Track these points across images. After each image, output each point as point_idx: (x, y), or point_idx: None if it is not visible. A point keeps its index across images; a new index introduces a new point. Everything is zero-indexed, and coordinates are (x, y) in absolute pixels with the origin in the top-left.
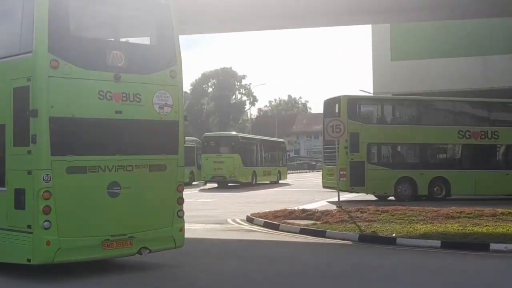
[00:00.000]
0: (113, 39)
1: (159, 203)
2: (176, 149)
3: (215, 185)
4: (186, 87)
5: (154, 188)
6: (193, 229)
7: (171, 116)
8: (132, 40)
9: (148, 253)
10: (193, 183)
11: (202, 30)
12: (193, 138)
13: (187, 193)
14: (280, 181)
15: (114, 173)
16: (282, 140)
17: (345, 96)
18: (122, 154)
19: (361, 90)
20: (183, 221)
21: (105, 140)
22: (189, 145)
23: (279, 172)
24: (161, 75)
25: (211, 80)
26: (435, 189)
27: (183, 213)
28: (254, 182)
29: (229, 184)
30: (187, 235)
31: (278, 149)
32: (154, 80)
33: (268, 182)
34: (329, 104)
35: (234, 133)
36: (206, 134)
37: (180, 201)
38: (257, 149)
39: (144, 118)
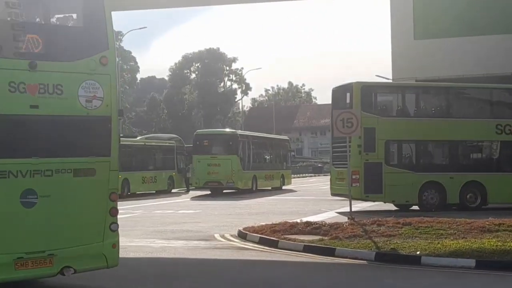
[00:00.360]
0: (27, 20)
1: (87, 215)
2: (108, 150)
3: (205, 192)
4: (164, 73)
5: (80, 196)
6: (171, 247)
7: (101, 111)
8: (52, 21)
9: (73, 273)
10: (173, 190)
11: (154, 3)
12: (172, 135)
13: (166, 202)
14: (283, 187)
15: (29, 179)
16: (286, 137)
17: (358, 83)
18: (40, 157)
19: (377, 76)
20: (117, 236)
21: (18, 140)
22: (166, 144)
23: (282, 176)
24: (88, 62)
25: (194, 64)
26: (468, 196)
27: (117, 226)
28: (254, 188)
29: (224, 191)
30: (164, 254)
31: (281, 149)
32: (80, 68)
33: (270, 188)
34: (339, 92)
35: (231, 130)
36: (199, 131)
37: (114, 211)
38: (258, 149)
39: (67, 114)
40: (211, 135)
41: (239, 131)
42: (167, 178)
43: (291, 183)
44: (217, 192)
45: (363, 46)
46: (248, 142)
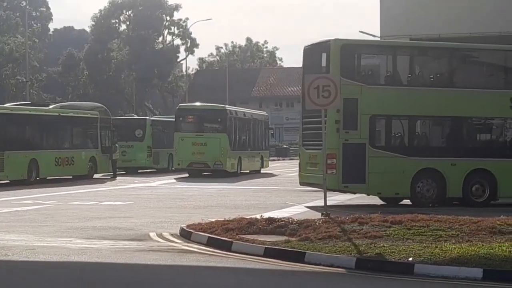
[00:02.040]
0: None
1: None
2: None
3: (122, 174)
4: (85, 23)
5: None
6: (94, 248)
7: None
8: None
9: None
10: (95, 175)
11: None
12: (95, 103)
13: (86, 191)
14: (262, 170)
15: None
16: (264, 113)
17: (337, 40)
18: None
19: (362, 32)
20: None
21: None
22: (87, 116)
23: (261, 158)
24: None
25: (124, 12)
26: (473, 188)
27: None
28: (239, 171)
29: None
30: (84, 257)
31: (261, 126)
32: None
33: (248, 171)
34: (312, 52)
35: (219, 105)
36: (182, 105)
37: None
38: (242, 127)
39: None
40: (197, 110)
41: (227, 106)
42: (87, 159)
43: (268, 166)
44: (197, 174)
45: None
46: (235, 118)
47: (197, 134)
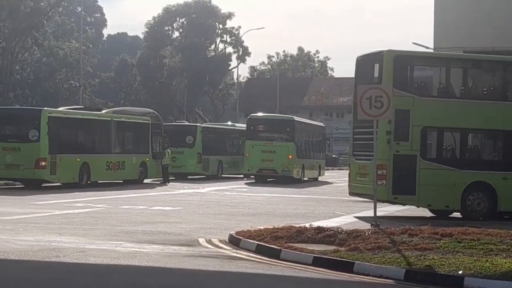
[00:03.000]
0: None
1: None
2: None
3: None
4: (139, 29)
5: None
6: (143, 252)
7: None
8: None
9: None
10: (145, 180)
11: None
12: (147, 109)
13: (136, 195)
14: (319, 178)
15: None
16: (322, 124)
17: (390, 51)
18: None
19: (415, 44)
20: None
21: None
22: (139, 121)
23: (319, 166)
24: None
25: (178, 19)
26: None
27: None
28: (302, 178)
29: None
30: (134, 261)
31: (320, 136)
32: None
33: (306, 178)
34: (365, 63)
35: (287, 115)
36: (253, 115)
37: None
38: (306, 137)
39: None
40: (267, 119)
41: (296, 117)
42: (138, 164)
43: (324, 174)
44: (263, 180)
45: (398, 3)
46: (300, 128)
47: (266, 142)
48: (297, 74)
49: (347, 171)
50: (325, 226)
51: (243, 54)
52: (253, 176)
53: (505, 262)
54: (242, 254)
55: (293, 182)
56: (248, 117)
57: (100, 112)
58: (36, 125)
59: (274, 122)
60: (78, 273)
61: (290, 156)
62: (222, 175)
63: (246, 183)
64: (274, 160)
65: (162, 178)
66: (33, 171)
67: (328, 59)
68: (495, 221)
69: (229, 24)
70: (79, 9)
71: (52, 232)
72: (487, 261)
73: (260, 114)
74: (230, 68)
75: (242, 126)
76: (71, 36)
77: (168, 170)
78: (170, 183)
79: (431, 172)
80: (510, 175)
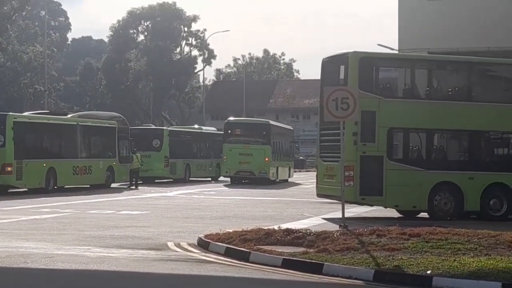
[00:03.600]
0: None
1: None
2: None
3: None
4: (103, 33)
5: None
6: (112, 257)
7: None
8: None
9: None
10: (113, 184)
11: None
12: (113, 113)
13: (104, 200)
14: (289, 179)
15: None
16: (290, 127)
17: (355, 53)
18: None
19: (380, 46)
20: None
21: None
22: (105, 125)
23: (289, 168)
24: None
25: (143, 22)
26: (491, 202)
27: None
28: (277, 179)
29: (244, 181)
30: (103, 266)
31: (289, 139)
32: None
33: (277, 180)
34: (331, 65)
35: (263, 119)
36: (230, 119)
37: None
38: (280, 140)
39: None
40: (244, 123)
41: (271, 121)
42: (105, 169)
43: (293, 176)
44: (238, 181)
45: (363, 5)
46: (275, 132)
47: (244, 146)
48: (263, 76)
49: (315, 173)
50: (293, 228)
51: (209, 57)
52: (225, 179)
53: (473, 261)
54: (211, 257)
55: (268, 183)
56: (226, 121)
57: (66, 117)
58: (1, 130)
59: (251, 126)
60: (46, 279)
61: (266, 159)
62: (190, 179)
63: (213, 186)
64: (251, 162)
65: (129, 182)
66: None
67: (294, 61)
68: (462, 220)
69: (194, 27)
70: (43, 13)
71: (19, 238)
72: (455, 260)
73: (236, 118)
74: (196, 71)
75: (209, 129)
76: (35, 40)
77: (139, 174)
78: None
79: (398, 172)
80: (476, 174)
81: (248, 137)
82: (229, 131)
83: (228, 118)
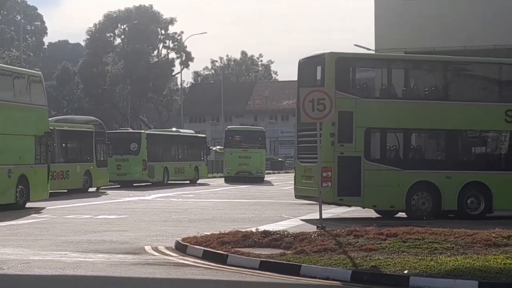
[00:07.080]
0: None
1: None
2: None
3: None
4: (80, 37)
5: None
6: (89, 262)
7: None
8: None
9: None
10: (90, 189)
11: None
12: (90, 117)
13: (81, 204)
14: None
15: None
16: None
17: (332, 53)
18: None
19: (356, 46)
20: None
21: None
22: (82, 130)
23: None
24: None
25: (119, 26)
26: (468, 201)
27: None
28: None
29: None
30: (79, 271)
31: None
32: None
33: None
34: (307, 66)
35: (259, 127)
36: (230, 127)
37: None
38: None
39: None
40: (243, 131)
41: (262, 128)
42: (82, 173)
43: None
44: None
45: (339, 6)
46: (265, 138)
47: (243, 150)
48: (241, 78)
49: (293, 174)
50: (271, 229)
51: (186, 60)
52: (203, 181)
53: (450, 261)
54: (189, 260)
55: (260, 181)
56: (226, 129)
57: None
58: None
59: (249, 133)
60: (23, 284)
61: (262, 161)
62: (168, 182)
63: (192, 189)
64: (249, 164)
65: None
66: None
67: (272, 63)
68: (439, 220)
69: (171, 29)
70: (19, 18)
71: None
72: (432, 260)
73: (235, 126)
74: (173, 73)
75: (187, 132)
76: (11, 45)
77: (111, 178)
78: (115, 191)
79: (376, 173)
80: (453, 174)
81: (246, 143)
82: (230, 137)
83: (228, 127)
